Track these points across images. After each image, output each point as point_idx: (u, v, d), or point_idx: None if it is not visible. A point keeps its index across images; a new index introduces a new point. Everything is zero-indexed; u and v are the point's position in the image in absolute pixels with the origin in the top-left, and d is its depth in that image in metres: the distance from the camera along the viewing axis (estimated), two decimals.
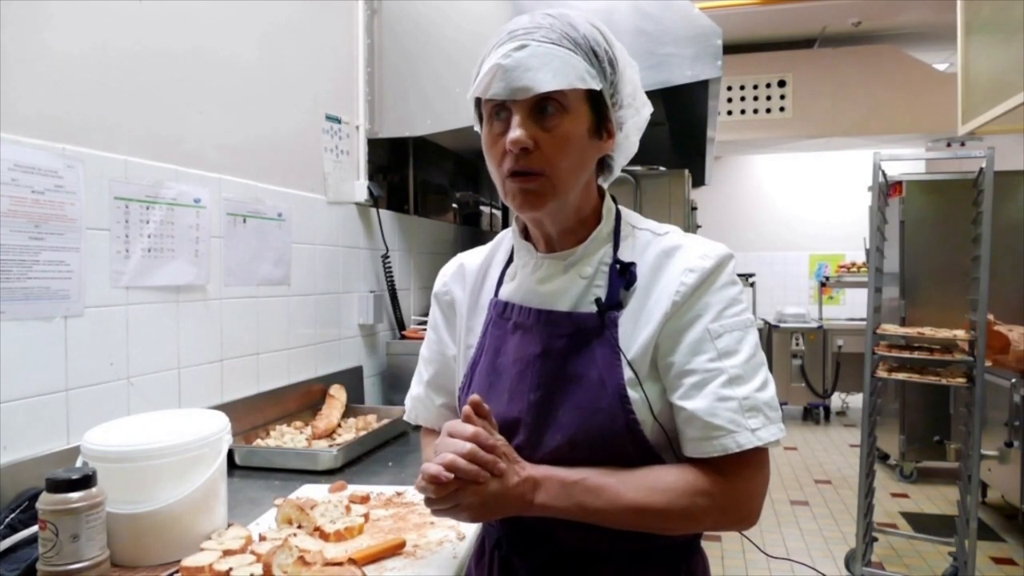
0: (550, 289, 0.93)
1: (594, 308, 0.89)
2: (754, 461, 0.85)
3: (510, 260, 1.02)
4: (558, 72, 0.83)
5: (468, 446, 0.82)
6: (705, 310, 0.87)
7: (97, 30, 1.39)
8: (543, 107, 0.84)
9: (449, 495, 0.81)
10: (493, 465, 0.82)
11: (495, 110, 0.87)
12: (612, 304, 0.89)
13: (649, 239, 0.94)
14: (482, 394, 0.96)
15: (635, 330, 0.88)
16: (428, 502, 0.84)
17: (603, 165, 0.96)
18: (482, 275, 1.05)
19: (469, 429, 0.84)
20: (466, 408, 0.86)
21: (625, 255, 0.92)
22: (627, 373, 0.87)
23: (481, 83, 0.85)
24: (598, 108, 0.89)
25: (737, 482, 0.85)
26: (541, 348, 0.91)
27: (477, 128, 0.97)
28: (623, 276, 0.90)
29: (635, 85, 0.93)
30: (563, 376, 0.90)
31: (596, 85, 0.86)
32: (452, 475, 0.80)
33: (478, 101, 0.91)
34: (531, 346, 0.92)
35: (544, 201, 0.87)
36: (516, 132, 0.83)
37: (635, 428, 0.86)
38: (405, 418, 1.17)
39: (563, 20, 0.86)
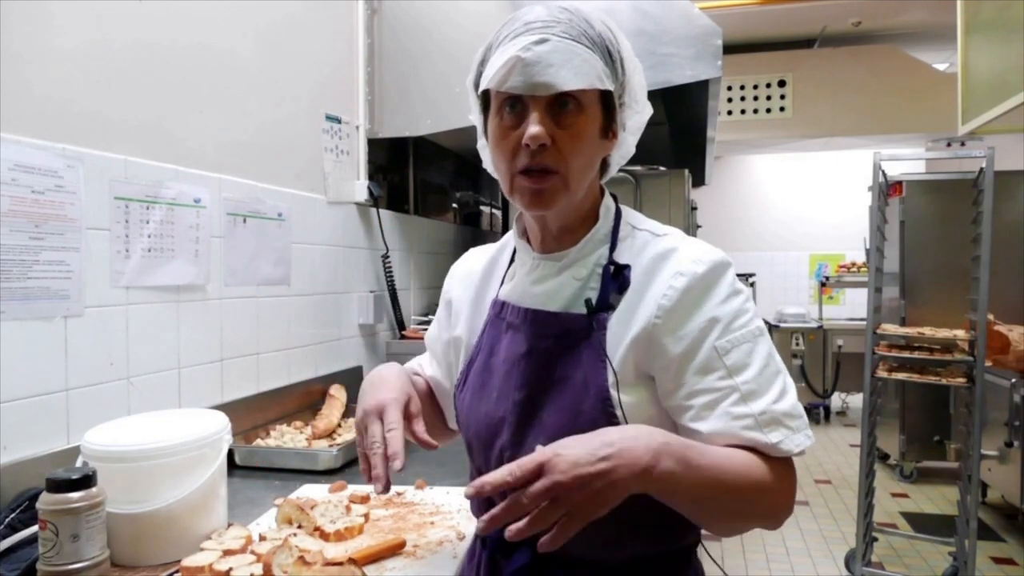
0: (543, 290, 0.92)
1: (585, 309, 0.88)
2: (785, 465, 0.83)
3: (513, 260, 1.02)
4: (579, 70, 0.81)
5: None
6: (711, 327, 0.83)
7: (97, 30, 1.39)
8: (562, 103, 0.83)
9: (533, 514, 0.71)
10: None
11: (507, 103, 0.85)
12: (602, 306, 0.88)
13: (647, 240, 0.92)
14: (475, 392, 0.96)
15: (624, 333, 0.86)
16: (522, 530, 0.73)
17: (602, 165, 0.95)
18: (487, 275, 1.05)
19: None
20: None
21: (623, 256, 0.91)
22: (611, 376, 0.85)
23: (496, 74, 0.83)
24: (608, 108, 0.88)
25: (778, 481, 0.82)
26: (527, 348, 0.90)
27: (474, 117, 0.96)
28: (616, 278, 0.89)
29: (640, 86, 0.92)
30: (548, 377, 0.89)
31: (610, 86, 0.86)
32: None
33: (481, 91, 0.90)
34: (519, 346, 0.92)
35: (555, 199, 0.85)
36: (535, 128, 0.81)
37: None
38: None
39: (579, 16, 0.85)
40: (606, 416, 0.84)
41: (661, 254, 0.89)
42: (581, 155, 0.85)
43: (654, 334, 0.84)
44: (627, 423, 0.84)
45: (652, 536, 0.89)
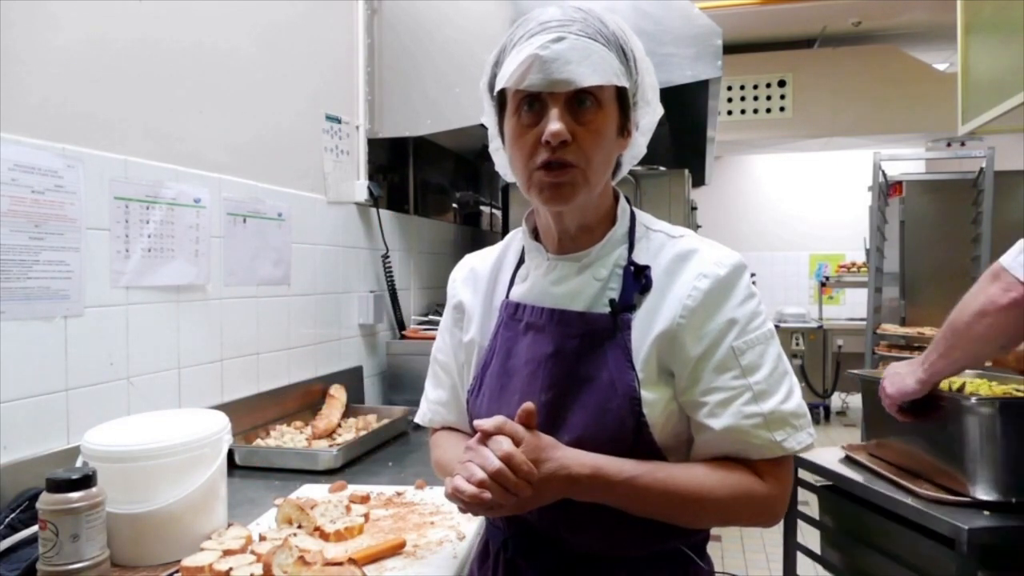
0: (564, 290, 0.92)
1: (607, 309, 0.89)
2: (781, 466, 0.88)
3: (521, 261, 1.01)
4: (597, 67, 0.83)
5: (497, 465, 0.79)
6: (729, 328, 0.86)
7: (97, 30, 1.39)
8: (580, 100, 0.84)
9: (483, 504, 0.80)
10: (520, 489, 0.79)
11: (525, 101, 0.85)
12: (626, 306, 0.89)
13: (663, 241, 0.93)
14: (493, 396, 0.96)
15: (647, 333, 0.88)
16: (461, 510, 0.83)
17: (615, 165, 0.96)
18: (494, 277, 1.04)
19: (504, 447, 0.80)
20: (495, 421, 0.83)
21: (640, 257, 0.92)
22: (638, 375, 0.87)
23: (514, 73, 0.83)
24: (623, 106, 0.89)
25: (771, 484, 0.87)
26: (553, 348, 0.91)
27: (487, 120, 0.96)
28: (638, 279, 0.90)
29: (652, 86, 0.93)
30: (574, 377, 0.89)
31: (626, 83, 0.87)
32: (489, 495, 0.78)
33: (497, 91, 0.90)
34: (543, 346, 0.92)
35: (575, 194, 0.86)
36: (556, 124, 0.82)
37: (644, 431, 0.86)
38: (419, 421, 1.15)
39: (593, 16, 0.86)
40: (633, 415, 0.86)
41: (681, 255, 0.90)
42: (600, 151, 0.86)
43: (678, 333, 0.87)
44: (652, 421, 0.86)
45: (673, 532, 0.91)
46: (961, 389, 1.60)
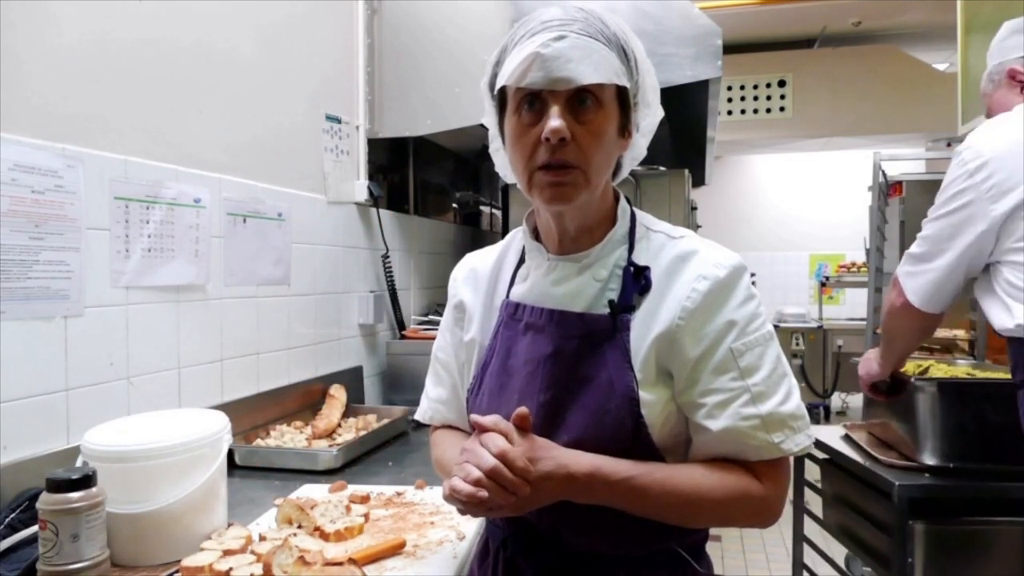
0: (564, 291, 0.92)
1: (607, 310, 0.89)
2: (779, 467, 0.88)
3: (521, 261, 1.01)
4: (598, 66, 0.82)
5: (493, 462, 0.79)
6: (728, 329, 0.86)
7: (97, 30, 1.39)
8: (581, 99, 0.84)
9: (481, 504, 0.80)
10: (517, 487, 0.79)
11: (526, 100, 0.85)
12: (625, 307, 0.89)
13: (663, 242, 0.93)
14: (493, 395, 0.96)
15: (646, 334, 0.88)
16: (460, 511, 0.83)
17: (615, 166, 0.96)
18: (495, 277, 1.04)
19: (500, 444, 0.81)
20: (491, 418, 0.84)
21: (640, 258, 0.92)
22: (637, 376, 0.87)
23: (515, 71, 0.83)
24: (624, 107, 0.89)
25: (768, 485, 0.87)
26: (553, 348, 0.91)
27: (488, 120, 0.96)
28: (637, 280, 0.90)
29: (653, 88, 0.93)
30: (573, 377, 0.89)
31: (627, 83, 0.87)
32: (485, 494, 0.78)
33: (498, 90, 0.90)
34: (543, 346, 0.92)
35: (576, 194, 0.86)
36: (556, 122, 0.82)
37: (643, 431, 0.86)
38: (419, 418, 1.15)
39: (595, 15, 0.86)
40: (632, 416, 0.86)
41: (681, 256, 0.90)
42: (600, 150, 0.86)
43: (677, 334, 0.87)
44: (650, 421, 0.86)
45: (672, 532, 0.91)
46: (924, 372, 1.86)
